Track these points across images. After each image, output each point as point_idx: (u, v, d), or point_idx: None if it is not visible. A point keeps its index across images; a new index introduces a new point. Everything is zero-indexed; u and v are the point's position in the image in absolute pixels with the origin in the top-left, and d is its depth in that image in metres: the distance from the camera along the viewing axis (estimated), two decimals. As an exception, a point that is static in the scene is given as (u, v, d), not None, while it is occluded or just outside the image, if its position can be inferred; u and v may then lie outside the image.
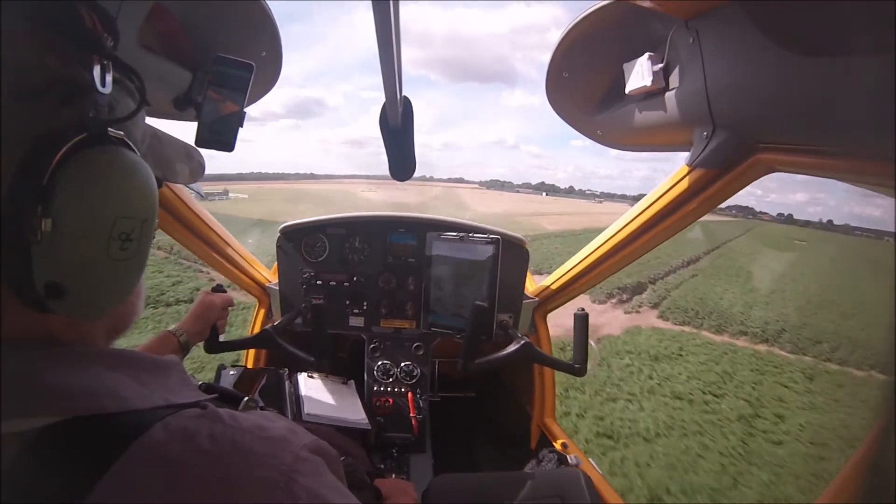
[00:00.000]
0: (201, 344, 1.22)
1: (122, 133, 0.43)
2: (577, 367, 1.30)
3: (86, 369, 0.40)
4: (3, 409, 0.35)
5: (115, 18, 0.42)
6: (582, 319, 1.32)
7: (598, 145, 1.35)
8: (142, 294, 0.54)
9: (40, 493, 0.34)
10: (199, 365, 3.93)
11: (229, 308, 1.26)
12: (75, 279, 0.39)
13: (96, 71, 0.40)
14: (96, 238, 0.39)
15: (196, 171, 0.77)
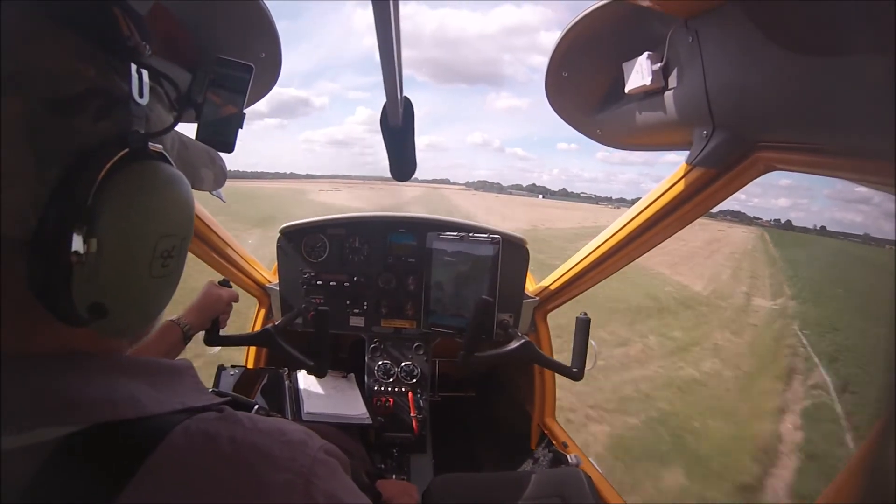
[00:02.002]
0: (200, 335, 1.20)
1: (160, 147, 0.41)
2: (574, 371, 1.29)
3: (106, 378, 0.40)
4: (28, 420, 0.35)
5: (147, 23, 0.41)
6: (583, 323, 1.30)
7: (583, 149, 1.36)
8: None
9: (64, 501, 0.34)
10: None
11: (233, 304, 1.25)
12: (118, 299, 0.38)
13: (134, 80, 0.38)
14: (141, 258, 0.39)
15: (219, 176, 0.75)
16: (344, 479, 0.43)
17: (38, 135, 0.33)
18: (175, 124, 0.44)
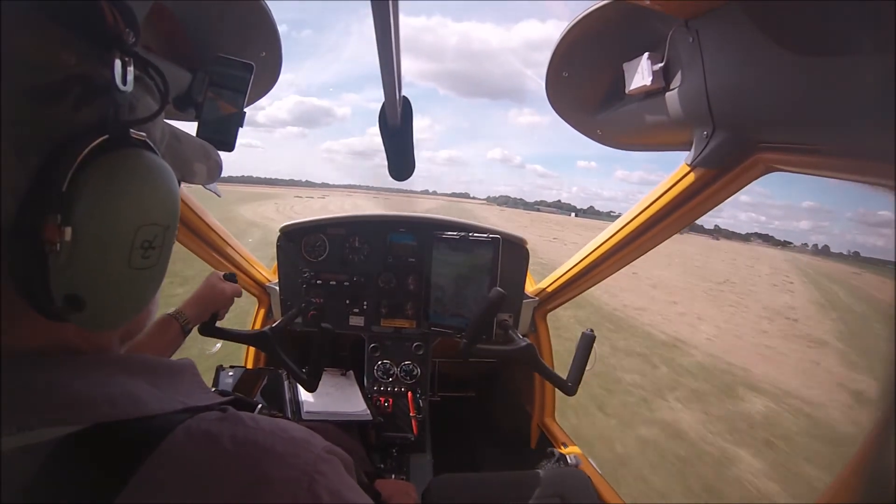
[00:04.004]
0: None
1: (143, 134, 0.40)
2: (568, 385, 1.27)
3: (104, 376, 0.40)
4: (27, 419, 0.34)
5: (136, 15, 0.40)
6: (587, 340, 1.27)
7: (602, 167, 1.35)
8: (157, 298, 0.52)
9: (65, 501, 0.34)
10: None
11: (234, 299, 1.20)
12: (95, 290, 0.37)
13: (117, 68, 0.37)
14: (118, 248, 0.37)
15: (213, 170, 0.74)
16: (347, 477, 0.43)
17: (18, 123, 0.33)
18: (159, 112, 0.43)
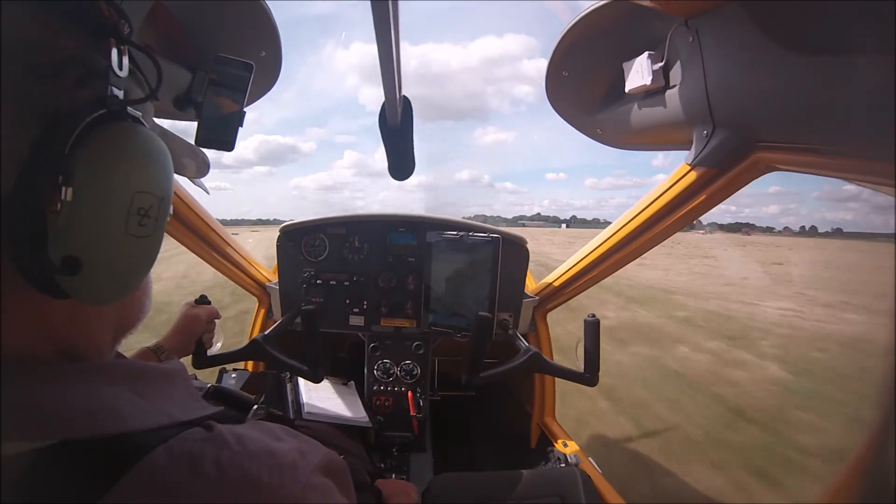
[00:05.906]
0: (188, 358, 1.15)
1: (139, 113, 0.42)
2: (587, 377, 1.25)
3: (85, 386, 0.39)
4: (6, 432, 0.33)
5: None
6: (593, 325, 1.26)
7: (571, 177, 1.34)
8: (149, 292, 0.52)
9: None
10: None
11: (215, 321, 1.21)
12: (92, 252, 0.38)
13: (113, 55, 0.39)
14: (115, 211, 0.38)
15: (201, 166, 0.78)
16: (338, 500, 0.42)
17: (20, 97, 0.34)
18: (154, 92, 0.45)
